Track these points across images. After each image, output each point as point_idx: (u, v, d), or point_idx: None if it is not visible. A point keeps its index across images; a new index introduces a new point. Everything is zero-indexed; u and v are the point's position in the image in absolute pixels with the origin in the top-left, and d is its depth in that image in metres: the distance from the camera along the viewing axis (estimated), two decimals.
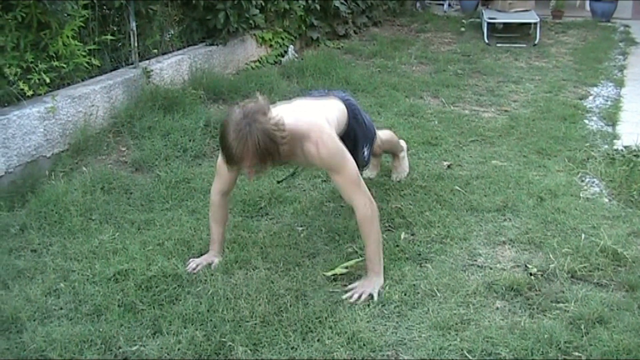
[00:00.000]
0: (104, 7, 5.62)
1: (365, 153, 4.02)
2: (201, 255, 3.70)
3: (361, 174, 3.57)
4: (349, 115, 3.80)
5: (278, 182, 4.44)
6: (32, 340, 3.00)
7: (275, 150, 3.09)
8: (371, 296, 3.33)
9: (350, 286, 3.41)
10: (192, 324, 3.12)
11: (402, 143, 4.81)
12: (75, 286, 3.42)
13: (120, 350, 2.98)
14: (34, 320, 3.16)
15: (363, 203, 3.38)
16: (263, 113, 3.09)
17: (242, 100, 6.03)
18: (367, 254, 3.46)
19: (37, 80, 4.76)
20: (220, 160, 3.43)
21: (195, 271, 3.55)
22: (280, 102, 3.69)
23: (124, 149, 5.14)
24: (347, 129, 3.77)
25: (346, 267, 3.58)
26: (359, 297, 3.32)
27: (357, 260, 3.62)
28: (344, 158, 3.39)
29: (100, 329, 3.07)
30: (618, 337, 3.03)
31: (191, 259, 3.65)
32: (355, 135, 3.85)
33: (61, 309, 3.27)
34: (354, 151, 3.74)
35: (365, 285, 3.38)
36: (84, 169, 4.70)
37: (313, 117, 3.45)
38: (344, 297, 3.34)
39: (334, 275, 3.55)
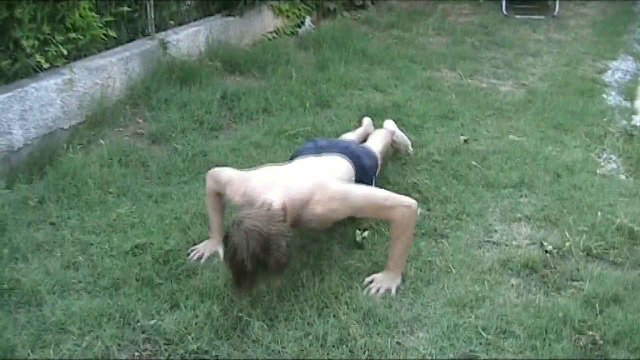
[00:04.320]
0: None
1: (374, 183, 3.96)
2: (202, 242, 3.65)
3: None
4: (356, 169, 3.71)
5: None
6: (52, 314, 3.03)
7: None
8: (389, 291, 3.26)
9: (368, 279, 3.34)
10: (209, 299, 3.14)
11: (389, 124, 4.69)
12: (94, 260, 3.45)
13: (139, 324, 3.00)
14: (54, 294, 3.19)
15: (400, 216, 3.26)
16: (260, 220, 2.93)
17: (259, 72, 6.16)
18: (392, 252, 3.35)
19: (54, 53, 4.76)
20: (229, 172, 3.51)
21: (197, 262, 3.48)
22: (289, 163, 3.70)
23: (140, 121, 5.15)
24: (355, 181, 3.67)
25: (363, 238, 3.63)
26: (377, 291, 3.26)
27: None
28: (363, 195, 3.30)
29: (119, 303, 3.10)
30: (632, 316, 3.04)
31: (192, 248, 3.58)
32: (362, 181, 3.74)
33: (80, 282, 3.30)
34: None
35: (384, 280, 3.30)
36: (101, 141, 4.72)
37: (317, 177, 3.36)
38: (363, 291, 3.26)
39: (363, 238, 3.62)
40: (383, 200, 3.28)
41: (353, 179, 3.66)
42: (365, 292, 3.25)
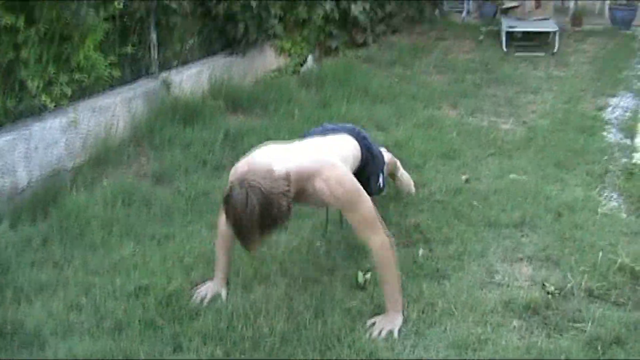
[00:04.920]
0: (125, 19, 5.67)
1: (381, 180, 4.01)
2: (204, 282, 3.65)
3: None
4: (362, 149, 3.75)
5: None
6: (55, 356, 3.04)
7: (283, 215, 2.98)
8: (391, 332, 3.25)
9: (369, 322, 3.34)
10: (212, 341, 3.15)
11: (397, 162, 4.71)
12: (97, 301, 3.46)
13: None
14: (56, 336, 3.20)
15: (380, 243, 3.29)
16: (262, 179, 2.93)
17: (262, 110, 6.20)
18: (385, 292, 3.37)
19: (59, 93, 4.81)
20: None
21: (203, 304, 3.48)
22: (292, 141, 3.66)
23: (144, 160, 5.19)
24: (362, 164, 3.73)
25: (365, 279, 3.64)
26: (379, 333, 3.26)
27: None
28: (360, 196, 3.28)
29: (122, 345, 3.11)
30: (635, 358, 3.04)
31: (195, 289, 3.58)
32: (370, 168, 3.82)
33: (83, 324, 3.30)
34: (369, 182, 3.75)
35: (385, 322, 3.30)
36: (105, 181, 4.75)
37: (325, 155, 3.37)
38: (366, 334, 3.25)
39: (365, 280, 3.62)
40: (374, 217, 3.30)
41: (359, 158, 3.70)
42: (367, 335, 3.24)
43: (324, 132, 3.84)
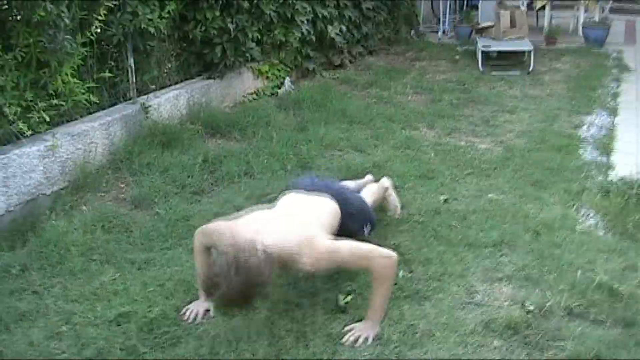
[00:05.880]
0: (103, 44, 5.68)
1: (366, 231, 4.10)
2: (191, 302, 3.68)
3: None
4: (342, 213, 3.85)
5: None
6: None
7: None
8: (366, 339, 3.36)
9: (347, 327, 3.43)
10: None
11: (385, 181, 4.81)
12: (78, 329, 3.44)
13: None
14: None
15: (381, 266, 3.40)
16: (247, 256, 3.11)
17: (240, 134, 6.22)
18: (371, 301, 3.48)
19: (36, 119, 4.80)
20: (217, 222, 3.60)
21: (194, 321, 3.53)
22: (269, 206, 3.80)
23: (123, 185, 5.18)
24: (341, 227, 3.80)
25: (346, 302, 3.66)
26: (356, 339, 3.35)
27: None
28: (347, 250, 3.39)
29: None
30: None
31: (185, 308, 3.61)
32: (349, 227, 3.88)
33: (64, 352, 3.28)
34: (354, 233, 3.85)
35: (363, 329, 3.40)
36: (84, 207, 4.74)
37: (301, 228, 3.45)
38: (342, 340, 3.36)
39: (346, 303, 3.65)
40: (367, 252, 3.42)
41: (338, 220, 3.79)
42: (344, 339, 3.33)
43: (309, 189, 3.94)
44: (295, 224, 3.50)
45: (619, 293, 3.75)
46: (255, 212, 3.66)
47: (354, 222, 3.96)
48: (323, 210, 3.77)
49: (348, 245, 3.41)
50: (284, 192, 3.97)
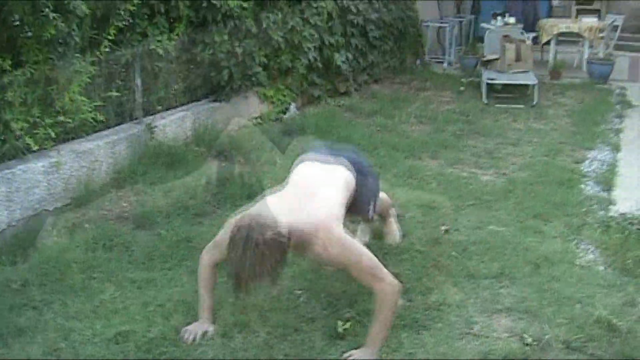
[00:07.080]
0: (111, 63, 5.72)
1: (371, 209, 4.12)
2: (190, 323, 3.68)
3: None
4: (357, 181, 3.86)
5: None
6: None
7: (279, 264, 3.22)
8: None
9: (345, 354, 3.42)
10: None
11: (392, 209, 4.84)
12: (76, 347, 3.45)
13: None
14: None
15: (383, 289, 3.39)
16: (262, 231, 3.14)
17: (244, 157, 6.24)
18: (371, 329, 3.45)
19: (42, 135, 4.83)
20: (222, 233, 3.53)
21: (192, 343, 3.52)
22: (281, 186, 3.76)
23: (125, 204, 5.20)
24: (355, 194, 3.83)
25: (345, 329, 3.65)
26: None
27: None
28: (358, 253, 3.41)
29: None
30: None
31: (184, 329, 3.60)
32: (361, 194, 3.91)
33: None
34: (361, 207, 3.92)
35: (362, 356, 3.38)
36: (86, 225, 4.75)
37: (320, 212, 3.45)
38: None
39: (345, 329, 3.64)
40: (375, 267, 3.41)
41: (352, 191, 3.81)
42: None
43: (325, 158, 3.94)
44: (313, 206, 3.47)
45: (618, 328, 3.75)
46: (267, 197, 3.62)
47: (363, 195, 3.97)
48: (339, 183, 3.75)
49: (363, 249, 3.45)
50: (299, 159, 3.99)
